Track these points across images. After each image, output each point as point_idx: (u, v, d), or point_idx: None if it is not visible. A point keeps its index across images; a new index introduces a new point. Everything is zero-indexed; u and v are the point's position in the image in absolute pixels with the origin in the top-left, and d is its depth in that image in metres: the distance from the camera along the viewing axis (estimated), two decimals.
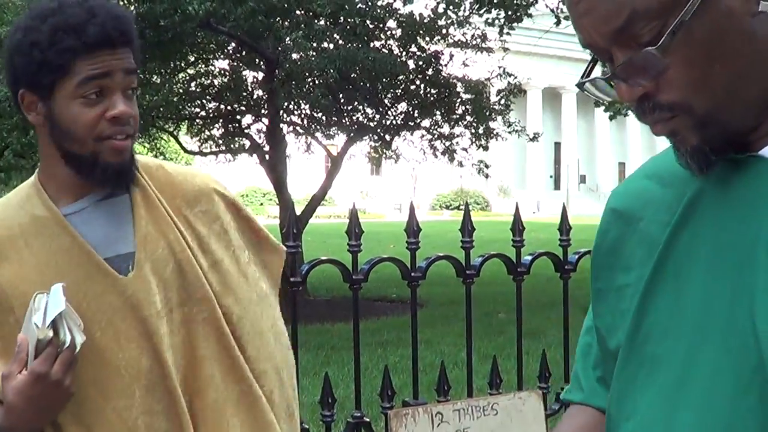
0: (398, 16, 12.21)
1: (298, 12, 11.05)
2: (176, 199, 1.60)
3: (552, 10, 13.33)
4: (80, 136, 1.47)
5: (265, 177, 13.27)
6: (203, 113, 13.99)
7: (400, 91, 12.63)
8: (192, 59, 13.19)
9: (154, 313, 1.50)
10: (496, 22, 12.90)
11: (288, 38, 10.83)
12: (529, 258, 2.98)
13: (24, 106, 1.51)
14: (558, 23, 13.07)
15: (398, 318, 9.95)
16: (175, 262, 1.54)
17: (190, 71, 13.77)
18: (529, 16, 12.95)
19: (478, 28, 13.26)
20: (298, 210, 10.59)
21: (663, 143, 0.98)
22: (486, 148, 13.76)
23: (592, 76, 0.95)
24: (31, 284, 1.46)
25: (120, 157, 1.50)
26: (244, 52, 12.68)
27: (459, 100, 12.95)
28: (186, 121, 14.36)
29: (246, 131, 13.77)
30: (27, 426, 1.44)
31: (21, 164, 14.10)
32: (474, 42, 13.31)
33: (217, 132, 14.47)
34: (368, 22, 11.62)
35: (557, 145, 58.76)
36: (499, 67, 13.38)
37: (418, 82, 12.65)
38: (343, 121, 12.71)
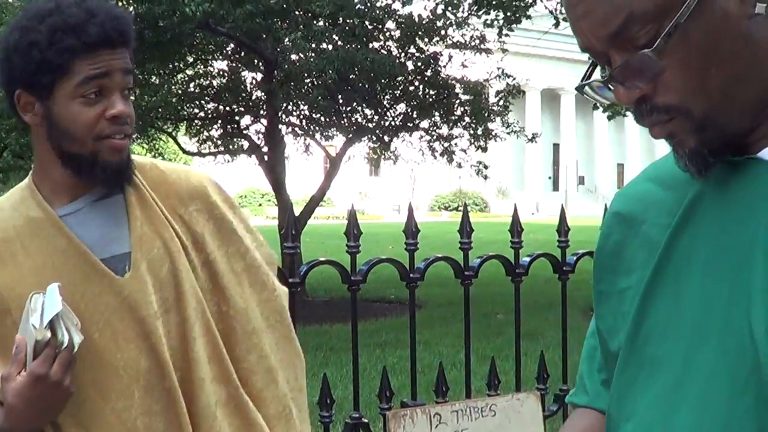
0: (397, 17, 12.21)
1: (297, 13, 11.06)
2: (170, 198, 1.60)
3: (551, 12, 13.34)
4: (80, 135, 1.47)
5: (263, 178, 13.28)
6: (202, 114, 14.00)
7: (398, 92, 12.64)
8: (191, 60, 13.20)
9: (152, 313, 1.50)
10: (495, 23, 12.91)
11: (287, 39, 10.83)
12: (528, 259, 2.98)
13: (20, 106, 1.50)
14: (557, 24, 13.09)
15: (397, 319, 9.95)
16: (171, 261, 1.54)
17: (189, 72, 13.78)
18: (528, 17, 12.96)
19: (477, 29, 13.26)
20: (297, 211, 10.58)
21: (662, 145, 0.98)
22: (485, 149, 13.77)
23: (592, 79, 0.96)
24: (28, 286, 1.45)
25: (119, 156, 1.50)
26: (242, 53, 12.68)
27: (458, 101, 12.96)
28: (185, 121, 14.37)
29: (245, 132, 13.78)
30: (27, 427, 1.44)
31: (19, 165, 14.11)
32: (473, 43, 13.32)
33: (215, 133, 14.47)
34: (367, 23, 11.62)
35: (556, 146, 58.79)
36: (498, 68, 13.38)
37: (416, 83, 12.65)
38: (342, 122, 12.71)
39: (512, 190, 54.59)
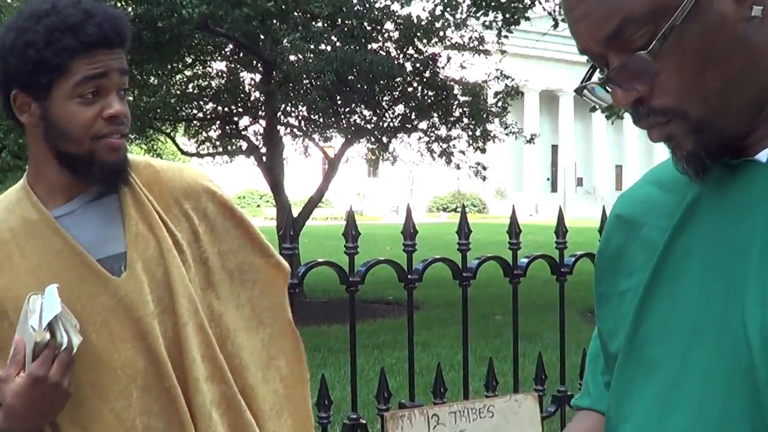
0: (396, 18, 12.21)
1: (295, 14, 11.06)
2: (164, 196, 1.60)
3: (550, 13, 13.34)
4: (77, 135, 1.47)
5: (262, 179, 13.27)
6: (200, 115, 13.98)
7: (397, 93, 12.63)
8: (189, 61, 13.19)
9: (148, 312, 1.50)
10: (494, 24, 12.91)
11: (285, 40, 10.83)
12: (526, 260, 2.98)
13: (16, 107, 1.50)
14: (555, 26, 13.10)
15: (395, 320, 9.95)
16: (164, 260, 1.54)
17: (188, 73, 13.76)
18: (527, 18, 12.96)
19: (476, 31, 13.27)
20: (295, 212, 10.57)
21: (660, 147, 0.99)
22: (483, 151, 13.77)
23: (591, 81, 0.96)
24: (24, 287, 1.45)
25: (116, 155, 1.51)
26: (241, 54, 12.67)
27: (456, 102, 12.96)
28: (183, 122, 14.35)
29: (243, 133, 13.77)
30: (26, 427, 1.44)
31: (18, 165, 14.09)
32: (471, 44, 13.32)
33: (214, 134, 14.45)
34: (365, 24, 11.62)
35: (554, 147, 58.78)
36: (497, 70, 13.38)
37: (415, 85, 12.65)
38: (341, 123, 12.70)
39: (510, 191, 54.59)
